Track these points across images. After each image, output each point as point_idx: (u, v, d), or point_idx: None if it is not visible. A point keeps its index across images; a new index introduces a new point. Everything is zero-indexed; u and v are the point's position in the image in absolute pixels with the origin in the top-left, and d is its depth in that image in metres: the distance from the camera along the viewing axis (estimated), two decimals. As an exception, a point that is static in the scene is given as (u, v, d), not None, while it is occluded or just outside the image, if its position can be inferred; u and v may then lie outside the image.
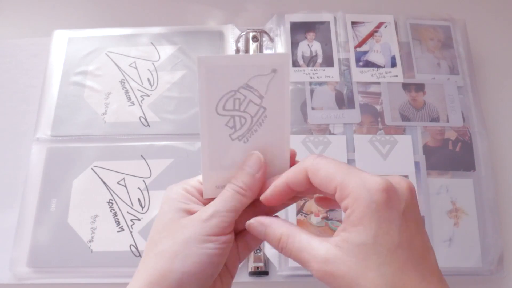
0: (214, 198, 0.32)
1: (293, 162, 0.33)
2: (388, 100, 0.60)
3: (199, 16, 0.69)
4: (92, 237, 0.53)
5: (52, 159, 0.57)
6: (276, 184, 0.31)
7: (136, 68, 0.62)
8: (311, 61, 0.62)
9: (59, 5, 0.70)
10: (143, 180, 0.56)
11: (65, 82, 0.62)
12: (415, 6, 0.69)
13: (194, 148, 0.57)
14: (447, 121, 0.59)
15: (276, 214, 0.33)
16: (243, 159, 0.32)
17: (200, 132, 0.30)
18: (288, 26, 0.63)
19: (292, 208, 0.54)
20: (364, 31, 0.64)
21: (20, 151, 0.59)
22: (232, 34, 0.65)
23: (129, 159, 0.57)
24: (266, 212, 0.32)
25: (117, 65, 0.63)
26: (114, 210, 0.55)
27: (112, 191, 0.56)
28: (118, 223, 0.54)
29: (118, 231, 0.54)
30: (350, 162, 0.56)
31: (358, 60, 0.62)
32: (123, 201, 0.55)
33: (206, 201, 0.32)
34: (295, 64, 0.61)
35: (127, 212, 0.55)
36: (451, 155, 0.57)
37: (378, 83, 0.60)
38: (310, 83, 0.60)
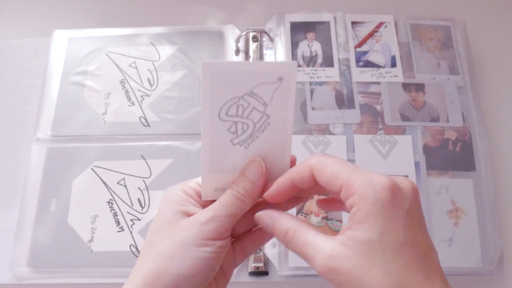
0: (212, 200, 0.32)
1: None
2: (388, 100, 0.60)
3: (199, 16, 0.69)
4: (92, 237, 0.53)
5: (52, 159, 0.57)
6: (281, 181, 0.31)
7: (136, 68, 0.62)
8: (311, 61, 0.62)
9: (59, 5, 0.70)
10: (143, 180, 0.56)
11: (65, 82, 0.62)
12: (415, 6, 0.69)
13: (194, 148, 0.57)
14: (447, 121, 0.59)
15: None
16: (243, 163, 0.32)
17: (201, 136, 0.30)
18: (288, 26, 0.63)
19: (292, 208, 0.54)
20: (364, 31, 0.64)
21: (20, 151, 0.59)
22: (232, 34, 0.65)
23: (129, 159, 0.57)
24: None
25: (117, 65, 0.63)
26: (114, 210, 0.55)
27: (112, 191, 0.56)
28: (118, 223, 0.54)
29: (118, 231, 0.54)
30: (350, 162, 0.56)
31: (358, 60, 0.62)
32: (123, 201, 0.55)
33: (205, 204, 0.32)
34: (295, 64, 0.61)
35: (127, 212, 0.55)
36: (451, 155, 0.57)
37: (378, 83, 0.60)
38: (310, 83, 0.60)
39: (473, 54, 0.63)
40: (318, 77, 0.61)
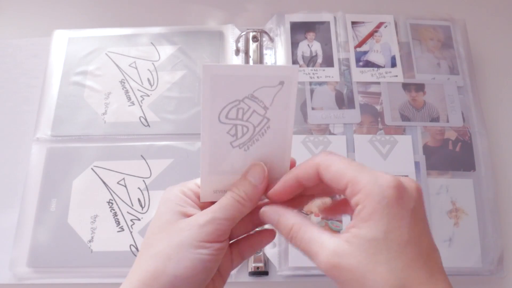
0: (211, 201, 0.32)
1: None
2: (388, 100, 0.60)
3: (199, 16, 0.69)
4: (92, 237, 0.53)
5: (52, 159, 0.57)
6: (286, 179, 0.31)
7: (136, 68, 0.62)
8: (311, 61, 0.62)
9: (59, 5, 0.70)
10: (143, 180, 0.56)
11: (65, 82, 0.62)
12: (415, 6, 0.69)
13: (194, 148, 0.57)
14: (447, 121, 0.59)
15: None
16: (243, 166, 0.32)
17: (201, 138, 0.30)
18: (288, 26, 0.63)
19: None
20: (364, 31, 0.64)
21: (20, 151, 0.59)
22: (232, 34, 0.65)
23: (129, 159, 0.57)
24: (262, 222, 0.33)
25: (117, 65, 0.63)
26: (114, 210, 0.55)
27: (112, 191, 0.56)
28: (118, 223, 0.54)
29: (118, 231, 0.54)
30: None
31: (358, 60, 0.62)
32: (123, 201, 0.55)
33: (203, 205, 0.32)
34: (295, 64, 0.61)
35: (127, 212, 0.55)
36: (451, 155, 0.57)
37: (378, 83, 0.60)
38: (310, 83, 0.60)
39: (473, 54, 0.63)
40: (318, 77, 0.61)
